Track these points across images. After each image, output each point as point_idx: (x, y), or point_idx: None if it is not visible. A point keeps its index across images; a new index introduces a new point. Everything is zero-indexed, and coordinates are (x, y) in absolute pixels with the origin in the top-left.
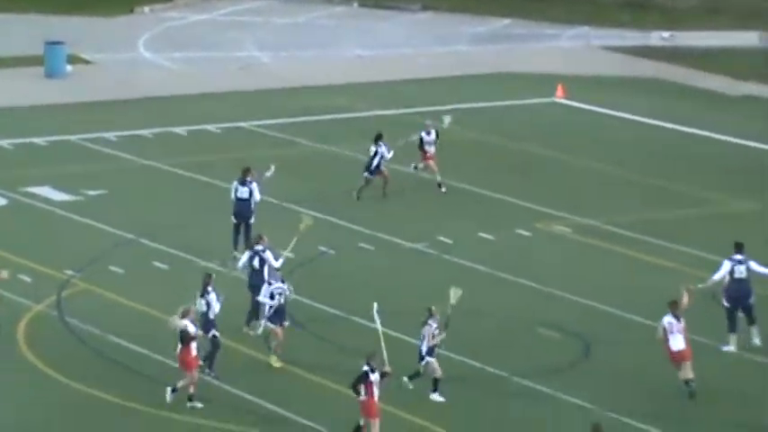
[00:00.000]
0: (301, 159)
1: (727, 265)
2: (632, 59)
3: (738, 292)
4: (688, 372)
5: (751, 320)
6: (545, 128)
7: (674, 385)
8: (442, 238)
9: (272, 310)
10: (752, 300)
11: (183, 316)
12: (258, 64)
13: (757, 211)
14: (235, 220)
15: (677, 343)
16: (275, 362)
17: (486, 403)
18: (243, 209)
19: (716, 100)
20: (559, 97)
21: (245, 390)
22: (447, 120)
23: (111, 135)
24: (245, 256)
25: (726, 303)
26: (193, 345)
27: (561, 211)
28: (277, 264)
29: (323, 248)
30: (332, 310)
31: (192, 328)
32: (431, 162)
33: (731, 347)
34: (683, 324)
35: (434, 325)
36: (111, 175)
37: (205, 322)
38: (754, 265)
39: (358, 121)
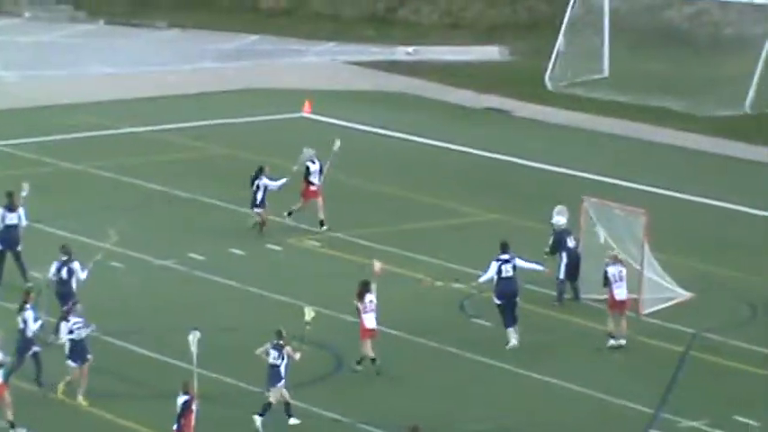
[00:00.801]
0: (51, 178)
1: (494, 266)
2: (378, 74)
3: (506, 290)
4: (370, 350)
5: (513, 319)
6: (294, 143)
7: (428, 393)
8: (192, 255)
9: (70, 347)
10: (517, 298)
11: None
12: (3, 84)
13: (499, 220)
14: (1, 248)
15: (370, 321)
16: (81, 400)
17: (242, 419)
18: (12, 236)
19: (459, 112)
20: (307, 112)
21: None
22: (337, 143)
23: None
24: (53, 266)
25: (497, 301)
26: None
27: (312, 225)
28: (83, 275)
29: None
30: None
31: None
32: (317, 198)
33: (513, 342)
34: (374, 304)
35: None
36: None
37: (24, 341)
38: (519, 262)
39: (108, 139)
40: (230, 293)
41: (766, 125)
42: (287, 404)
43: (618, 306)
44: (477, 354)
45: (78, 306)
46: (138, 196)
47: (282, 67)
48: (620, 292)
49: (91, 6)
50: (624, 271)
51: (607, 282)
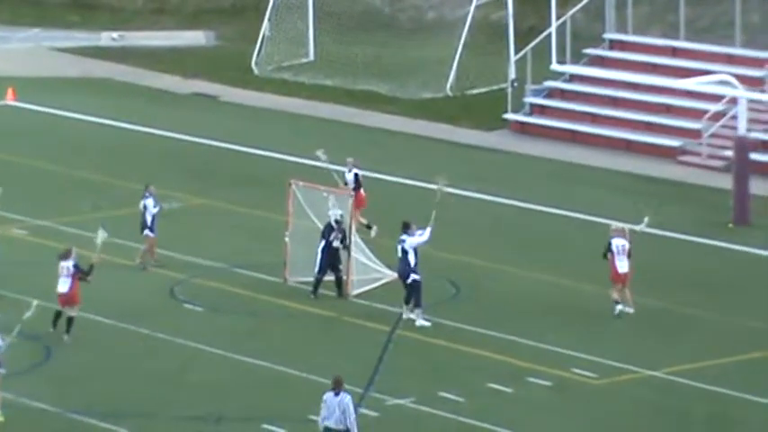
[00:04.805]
0: None
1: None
2: (83, 60)
3: (398, 270)
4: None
5: (410, 300)
6: None
7: (141, 379)
8: None
9: None
10: (409, 280)
11: None
12: None
13: (206, 204)
14: None
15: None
16: None
17: None
18: None
19: (166, 98)
20: (11, 100)
21: None
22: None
23: None
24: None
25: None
26: None
27: (17, 214)
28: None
29: None
30: None
31: None
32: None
33: (420, 322)
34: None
35: None
36: None
37: None
38: (409, 240)
39: None
40: None
41: (466, 107)
42: None
43: (621, 279)
44: (189, 339)
45: None
46: None
47: None
48: (623, 265)
49: None
50: (627, 245)
51: (610, 254)
